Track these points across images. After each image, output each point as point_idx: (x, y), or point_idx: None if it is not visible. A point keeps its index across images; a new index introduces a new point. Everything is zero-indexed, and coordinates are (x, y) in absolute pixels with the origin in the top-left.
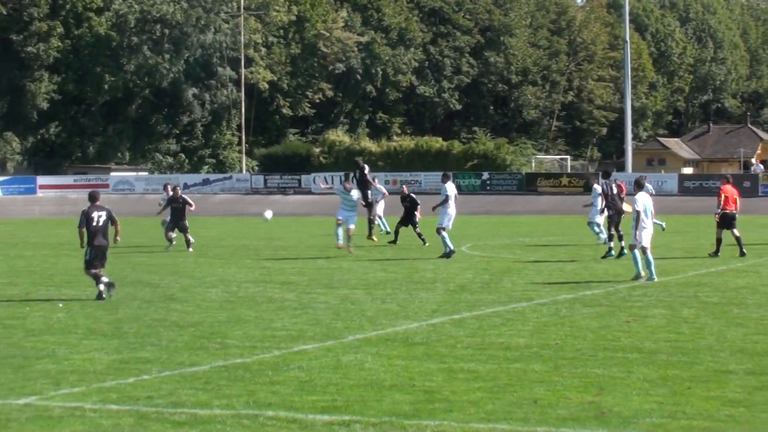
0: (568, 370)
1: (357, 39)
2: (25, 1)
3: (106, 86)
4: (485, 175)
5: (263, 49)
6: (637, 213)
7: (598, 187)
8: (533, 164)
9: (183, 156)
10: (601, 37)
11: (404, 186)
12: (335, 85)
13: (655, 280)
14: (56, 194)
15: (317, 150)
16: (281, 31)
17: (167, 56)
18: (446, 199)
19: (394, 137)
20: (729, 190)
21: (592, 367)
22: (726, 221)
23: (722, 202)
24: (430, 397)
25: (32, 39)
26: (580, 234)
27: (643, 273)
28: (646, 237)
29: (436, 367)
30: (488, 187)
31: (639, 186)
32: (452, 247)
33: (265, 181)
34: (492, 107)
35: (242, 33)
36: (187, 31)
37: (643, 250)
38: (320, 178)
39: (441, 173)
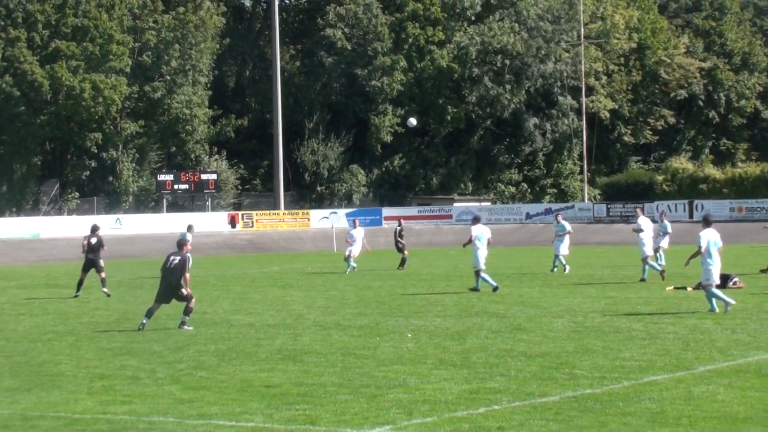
0: None
1: (699, 65)
2: (370, 37)
3: (448, 118)
4: None
5: (604, 78)
6: (699, 249)
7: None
8: None
9: (525, 185)
10: None
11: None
12: (677, 112)
13: (716, 310)
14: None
15: (660, 178)
16: (622, 58)
17: (508, 87)
18: (469, 240)
19: (739, 163)
20: None
21: None
22: None
23: None
24: None
25: (376, 73)
26: None
27: (717, 309)
28: (715, 273)
29: None
30: None
31: (707, 223)
32: (493, 284)
33: (608, 209)
34: None
35: (583, 62)
36: (527, 61)
37: (707, 286)
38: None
39: None
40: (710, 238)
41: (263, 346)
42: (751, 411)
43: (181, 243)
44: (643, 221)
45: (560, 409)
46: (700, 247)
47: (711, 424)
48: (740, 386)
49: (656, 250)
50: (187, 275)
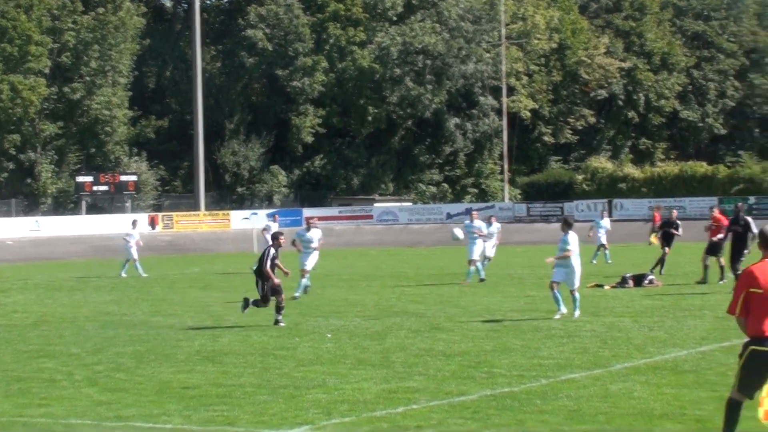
0: None
1: (619, 65)
2: (291, 37)
3: (369, 118)
4: (752, 200)
5: (524, 78)
6: (568, 251)
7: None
8: None
9: (446, 186)
10: None
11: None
12: (597, 112)
13: (565, 311)
14: (322, 226)
15: (580, 177)
16: (542, 59)
17: (429, 87)
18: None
19: (658, 163)
20: None
21: None
22: None
23: None
24: (701, 426)
25: (297, 74)
26: None
27: (564, 310)
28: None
29: (707, 395)
30: (755, 212)
31: (568, 225)
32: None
33: (528, 209)
34: (758, 130)
35: (503, 62)
36: (448, 61)
37: (552, 286)
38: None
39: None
40: (577, 241)
41: (182, 347)
42: (667, 408)
43: (274, 236)
44: (479, 224)
45: (478, 408)
46: (569, 250)
47: (627, 421)
48: (656, 383)
49: (600, 247)
50: (265, 267)
